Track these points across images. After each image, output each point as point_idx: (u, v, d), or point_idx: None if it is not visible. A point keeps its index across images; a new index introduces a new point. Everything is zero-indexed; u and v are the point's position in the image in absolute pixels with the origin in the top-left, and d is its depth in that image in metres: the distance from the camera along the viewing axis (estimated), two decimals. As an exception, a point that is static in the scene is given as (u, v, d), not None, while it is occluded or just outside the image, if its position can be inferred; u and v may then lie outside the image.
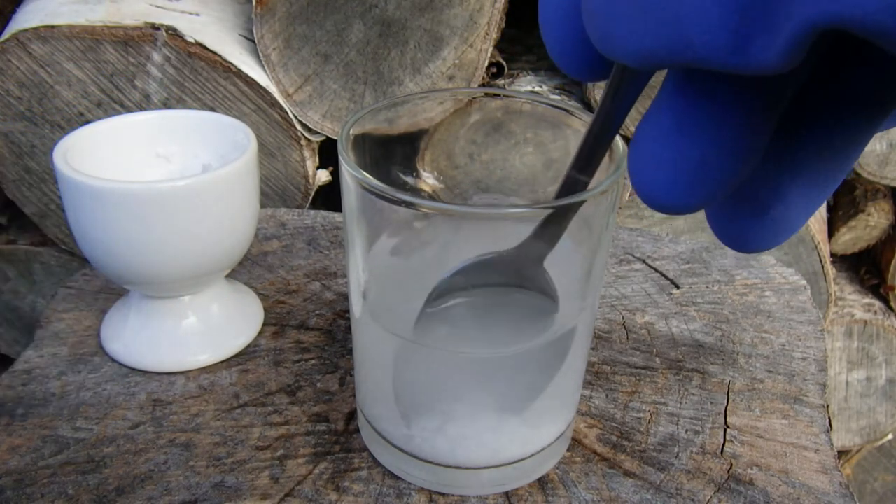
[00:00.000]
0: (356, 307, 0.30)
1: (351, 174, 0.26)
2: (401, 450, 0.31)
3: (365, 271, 0.29)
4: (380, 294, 0.29)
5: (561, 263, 0.28)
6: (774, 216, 0.19)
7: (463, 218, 0.26)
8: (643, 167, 0.17)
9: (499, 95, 0.34)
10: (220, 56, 0.60)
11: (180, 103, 0.62)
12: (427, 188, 0.36)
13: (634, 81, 0.19)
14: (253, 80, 0.61)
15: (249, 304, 0.42)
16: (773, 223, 0.19)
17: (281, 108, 0.63)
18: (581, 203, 0.25)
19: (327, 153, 0.71)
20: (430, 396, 0.30)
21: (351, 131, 0.29)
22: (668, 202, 0.17)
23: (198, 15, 0.64)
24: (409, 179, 0.35)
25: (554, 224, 0.25)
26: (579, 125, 0.32)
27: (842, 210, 0.87)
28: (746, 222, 0.19)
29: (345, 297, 0.44)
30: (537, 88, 0.71)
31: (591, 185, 0.24)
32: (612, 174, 0.26)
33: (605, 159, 0.29)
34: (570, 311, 0.29)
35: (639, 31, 0.15)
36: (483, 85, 0.67)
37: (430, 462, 0.31)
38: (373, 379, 0.31)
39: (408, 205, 0.24)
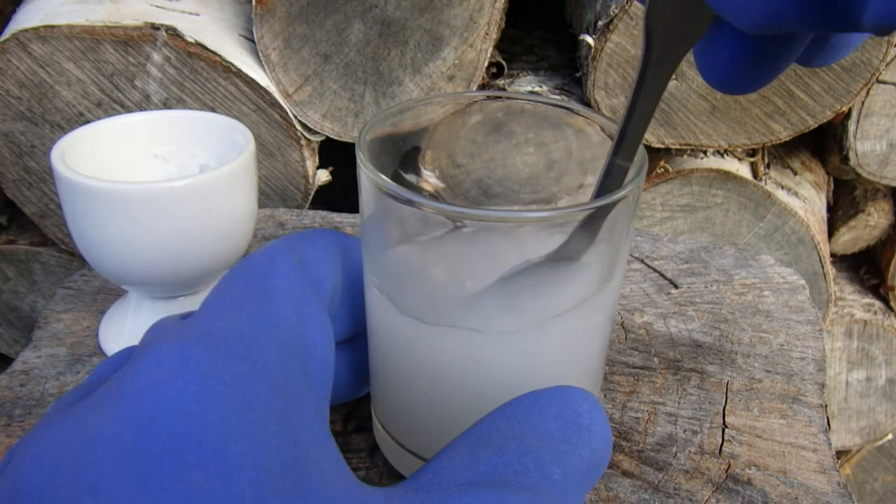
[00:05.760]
0: (377, 311, 0.29)
1: (370, 178, 0.26)
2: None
3: (386, 277, 0.28)
4: (404, 299, 0.29)
5: (579, 270, 0.28)
6: (835, 48, 0.22)
7: (492, 223, 0.25)
8: (708, 64, 0.22)
9: (511, 98, 0.34)
10: (220, 56, 0.60)
11: (180, 103, 0.62)
12: (429, 187, 0.36)
13: (671, 65, 0.23)
14: (253, 80, 0.61)
15: (248, 304, 0.42)
16: (831, 53, 0.22)
17: (281, 108, 0.63)
18: (615, 203, 0.24)
19: (327, 153, 0.71)
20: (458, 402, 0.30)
21: (367, 136, 0.28)
22: (731, 90, 0.23)
23: (198, 15, 0.64)
24: (412, 178, 0.35)
25: (589, 228, 0.25)
26: (583, 124, 0.32)
27: (842, 210, 0.87)
28: (813, 56, 0.23)
29: (343, 297, 0.44)
30: (537, 88, 0.71)
31: (610, 193, 0.24)
32: (633, 179, 0.26)
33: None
34: (590, 321, 0.29)
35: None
36: (484, 85, 0.67)
37: None
38: (395, 384, 0.31)
39: (434, 210, 0.24)
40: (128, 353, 0.23)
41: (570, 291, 0.29)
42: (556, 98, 0.32)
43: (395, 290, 0.28)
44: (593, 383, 0.32)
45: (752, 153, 0.74)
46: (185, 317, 0.22)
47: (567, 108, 0.32)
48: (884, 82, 0.69)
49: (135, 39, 0.59)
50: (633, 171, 0.27)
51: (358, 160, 0.26)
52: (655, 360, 0.40)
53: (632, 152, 0.25)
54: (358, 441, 0.34)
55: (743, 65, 0.21)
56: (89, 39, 0.58)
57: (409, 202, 0.24)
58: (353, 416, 0.36)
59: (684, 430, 0.35)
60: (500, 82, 0.72)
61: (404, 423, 0.31)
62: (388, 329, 0.29)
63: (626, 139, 0.25)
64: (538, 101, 0.33)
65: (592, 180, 0.33)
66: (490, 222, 0.24)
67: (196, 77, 0.61)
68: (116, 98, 0.61)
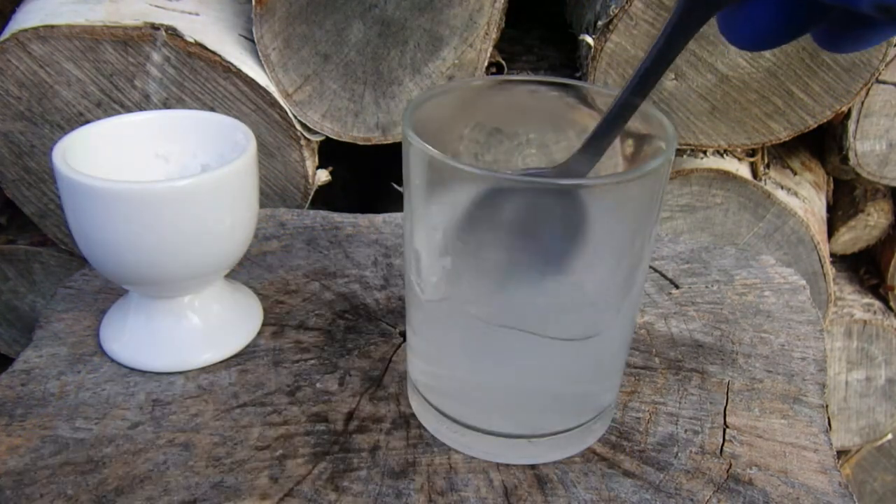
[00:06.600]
0: (417, 287, 0.31)
1: (419, 150, 0.28)
2: (465, 425, 0.33)
3: (430, 247, 0.30)
4: (450, 271, 0.31)
5: (609, 248, 0.29)
6: (860, 34, 0.23)
7: (541, 189, 0.27)
8: (732, 24, 0.24)
9: (525, 82, 0.36)
10: (219, 56, 0.60)
11: (180, 103, 0.62)
12: None
13: (701, 17, 0.24)
14: (252, 80, 0.61)
15: (249, 304, 0.42)
16: (857, 39, 0.23)
17: (280, 108, 0.63)
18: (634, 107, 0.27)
19: (327, 153, 0.70)
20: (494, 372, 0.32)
21: (413, 114, 0.30)
22: (751, 49, 0.24)
23: (198, 15, 0.64)
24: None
25: (601, 137, 0.28)
26: (589, 119, 0.33)
27: (841, 210, 0.87)
28: (838, 38, 0.24)
29: (344, 297, 0.44)
30: (537, 88, 0.71)
31: (642, 166, 0.27)
32: (664, 152, 0.28)
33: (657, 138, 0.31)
34: (613, 302, 0.31)
35: None
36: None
37: (492, 433, 0.33)
38: (429, 351, 0.33)
39: (479, 178, 0.26)
40: None
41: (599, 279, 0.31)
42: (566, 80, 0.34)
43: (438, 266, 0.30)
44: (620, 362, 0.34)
45: (751, 153, 0.74)
46: None
47: (579, 86, 0.35)
48: (884, 82, 0.69)
49: (134, 39, 0.59)
50: (664, 143, 0.29)
51: (405, 136, 0.28)
52: (656, 360, 0.40)
53: (645, 93, 0.27)
54: (358, 441, 0.34)
55: (769, 27, 0.23)
56: (89, 39, 0.58)
57: (458, 171, 0.27)
58: (353, 416, 0.36)
59: (685, 430, 0.35)
60: (500, 82, 0.72)
61: (441, 390, 0.34)
62: (429, 304, 0.31)
63: (643, 79, 0.27)
64: (551, 82, 0.35)
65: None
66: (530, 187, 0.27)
67: (196, 77, 0.60)
68: (116, 98, 0.61)
